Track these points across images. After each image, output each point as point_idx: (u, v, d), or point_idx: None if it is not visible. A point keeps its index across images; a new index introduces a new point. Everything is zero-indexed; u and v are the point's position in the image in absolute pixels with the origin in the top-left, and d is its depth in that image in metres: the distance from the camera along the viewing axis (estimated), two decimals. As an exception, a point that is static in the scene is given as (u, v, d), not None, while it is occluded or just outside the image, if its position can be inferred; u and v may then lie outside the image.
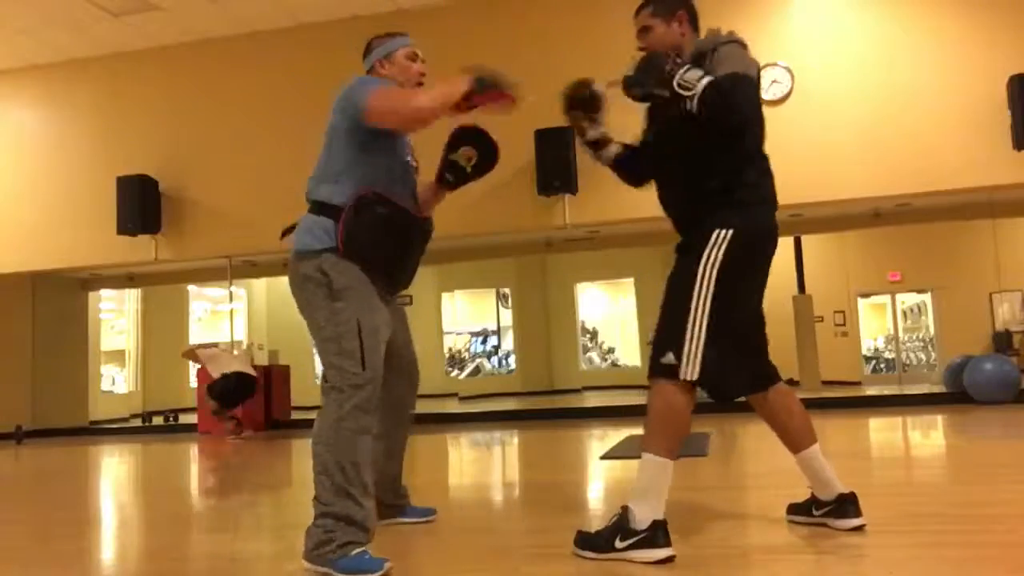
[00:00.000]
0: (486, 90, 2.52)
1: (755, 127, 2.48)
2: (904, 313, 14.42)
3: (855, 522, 2.54)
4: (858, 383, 13.20)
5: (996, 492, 3.26)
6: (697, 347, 2.32)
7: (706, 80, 2.29)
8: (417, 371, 3.04)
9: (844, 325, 13.89)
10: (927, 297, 13.86)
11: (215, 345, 9.21)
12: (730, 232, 2.37)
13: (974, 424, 6.47)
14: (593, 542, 2.37)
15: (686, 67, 2.34)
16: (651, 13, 2.57)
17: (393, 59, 2.80)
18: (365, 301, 2.54)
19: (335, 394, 2.46)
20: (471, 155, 2.85)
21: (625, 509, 2.31)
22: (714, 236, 2.38)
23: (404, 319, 2.97)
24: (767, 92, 7.88)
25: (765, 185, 2.51)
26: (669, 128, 2.57)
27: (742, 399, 2.69)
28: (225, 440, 8.62)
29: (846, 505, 2.56)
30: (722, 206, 2.42)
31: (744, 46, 2.48)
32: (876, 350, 14.64)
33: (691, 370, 2.31)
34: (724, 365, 2.35)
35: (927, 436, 5.98)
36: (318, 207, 2.61)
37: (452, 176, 2.87)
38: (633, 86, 2.43)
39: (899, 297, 14.27)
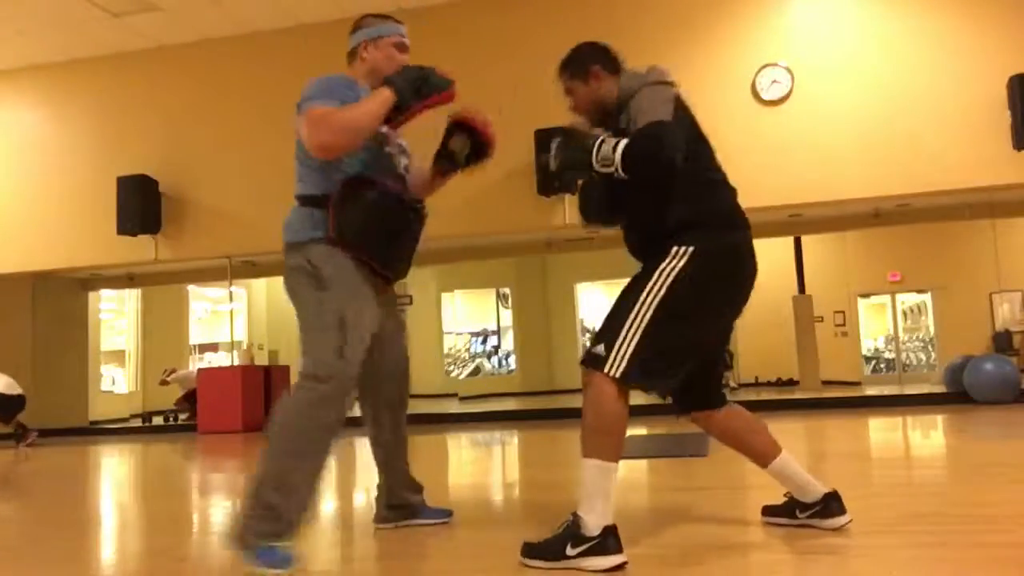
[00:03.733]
0: (419, 98, 2.51)
1: (695, 152, 2.46)
2: (904, 313, 14.42)
3: (842, 520, 2.55)
4: (858, 383, 13.20)
5: (996, 492, 3.26)
6: (628, 347, 2.32)
7: (620, 149, 2.33)
8: (407, 366, 2.95)
9: (844, 325, 13.90)
10: (927, 297, 13.87)
11: None
12: (690, 249, 2.39)
13: (974, 424, 6.46)
14: (541, 550, 2.34)
15: (598, 143, 2.37)
16: (569, 76, 2.63)
17: (379, 44, 2.70)
18: (353, 291, 2.52)
19: (303, 383, 2.47)
20: (464, 145, 2.79)
21: (576, 517, 2.30)
22: (673, 251, 2.40)
23: (396, 313, 2.88)
24: (767, 92, 7.89)
25: (723, 207, 2.50)
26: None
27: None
28: (18, 450, 8.79)
29: (831, 504, 2.57)
30: (680, 231, 2.43)
31: (661, 83, 2.47)
32: (876, 350, 14.64)
33: (616, 368, 2.31)
34: (652, 371, 2.34)
35: (927, 436, 5.98)
36: (304, 200, 2.59)
37: (447, 163, 2.84)
38: (557, 179, 2.55)
39: (899, 297, 14.28)
